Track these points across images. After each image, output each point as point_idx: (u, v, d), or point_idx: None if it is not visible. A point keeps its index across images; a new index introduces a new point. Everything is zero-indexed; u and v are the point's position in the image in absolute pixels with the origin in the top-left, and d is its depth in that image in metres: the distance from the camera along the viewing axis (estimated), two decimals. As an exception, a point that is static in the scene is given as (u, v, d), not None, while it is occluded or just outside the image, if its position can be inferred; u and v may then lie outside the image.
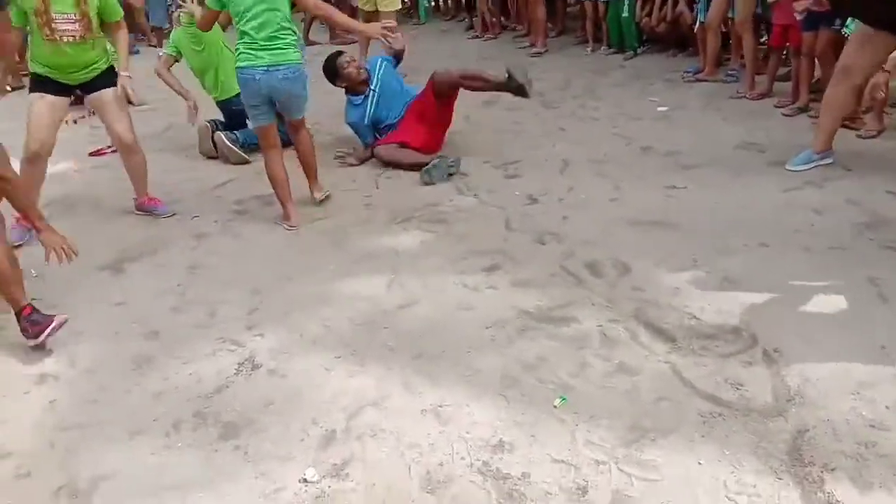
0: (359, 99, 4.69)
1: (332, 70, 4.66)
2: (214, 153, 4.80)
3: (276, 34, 3.50)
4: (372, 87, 4.68)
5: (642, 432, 2.10)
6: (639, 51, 6.93)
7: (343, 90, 4.77)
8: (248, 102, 3.65)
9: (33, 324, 2.70)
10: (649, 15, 6.71)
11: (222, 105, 4.87)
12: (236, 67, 3.61)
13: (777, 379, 2.28)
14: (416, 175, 4.33)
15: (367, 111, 4.67)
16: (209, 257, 3.50)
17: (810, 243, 3.13)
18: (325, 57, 4.82)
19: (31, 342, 2.71)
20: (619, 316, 2.70)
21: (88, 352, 2.75)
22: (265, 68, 3.50)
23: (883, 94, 3.57)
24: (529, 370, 2.44)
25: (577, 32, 7.84)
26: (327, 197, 4.05)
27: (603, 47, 7.19)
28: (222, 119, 5.00)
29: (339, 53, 4.76)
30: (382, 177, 4.40)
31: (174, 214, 4.02)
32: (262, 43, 3.49)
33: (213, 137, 4.77)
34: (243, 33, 3.51)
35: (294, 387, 2.44)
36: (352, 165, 4.64)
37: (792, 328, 2.53)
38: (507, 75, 4.30)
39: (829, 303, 2.67)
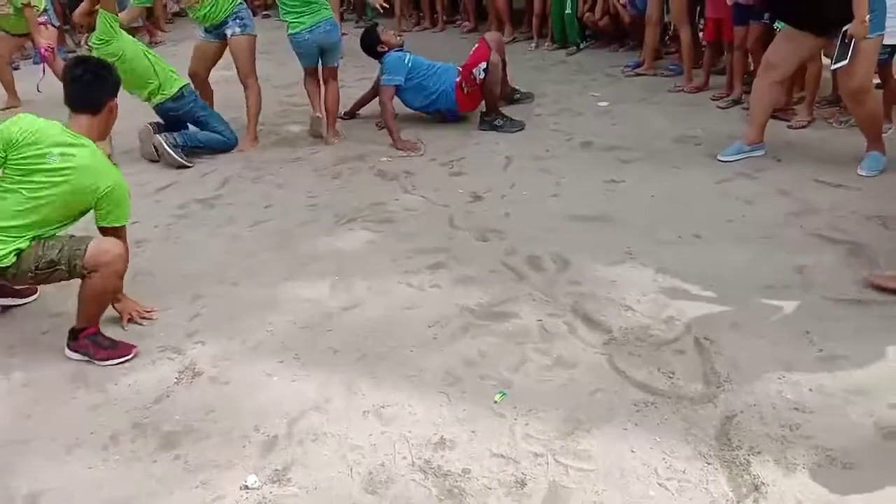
0: (396, 53, 4.95)
1: (373, 38, 5.03)
2: (156, 156, 4.70)
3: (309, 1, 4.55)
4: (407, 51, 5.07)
5: (578, 423, 2.15)
6: (581, 46, 7.02)
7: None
8: (302, 54, 4.76)
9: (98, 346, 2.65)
10: (591, 10, 6.81)
11: (159, 109, 4.76)
12: (289, 35, 4.66)
13: (707, 366, 2.37)
14: (364, 173, 4.35)
15: (407, 61, 4.91)
16: (149, 264, 3.43)
17: (742, 233, 3.25)
18: (361, 35, 5.22)
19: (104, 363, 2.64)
20: (558, 310, 2.76)
21: (23, 365, 2.68)
22: (310, 28, 4.58)
23: None
24: (471, 367, 2.48)
25: (522, 28, 7.90)
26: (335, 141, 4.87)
27: (546, 43, 7.28)
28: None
29: (375, 24, 5.32)
30: (327, 176, 4.39)
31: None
32: (301, 9, 4.57)
33: (153, 141, 4.68)
34: (285, 6, 4.63)
35: (235, 394, 2.43)
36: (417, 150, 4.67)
37: (723, 316, 2.63)
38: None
39: (758, 290, 2.77)
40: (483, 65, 4.81)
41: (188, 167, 4.63)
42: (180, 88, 4.67)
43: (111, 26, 4.42)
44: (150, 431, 2.29)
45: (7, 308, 3.04)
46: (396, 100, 4.95)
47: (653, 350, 2.47)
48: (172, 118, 4.74)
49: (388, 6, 5.54)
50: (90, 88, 2.66)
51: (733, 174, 3.86)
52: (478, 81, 4.86)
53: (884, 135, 3.85)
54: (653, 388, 2.29)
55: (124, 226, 2.73)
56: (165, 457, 2.17)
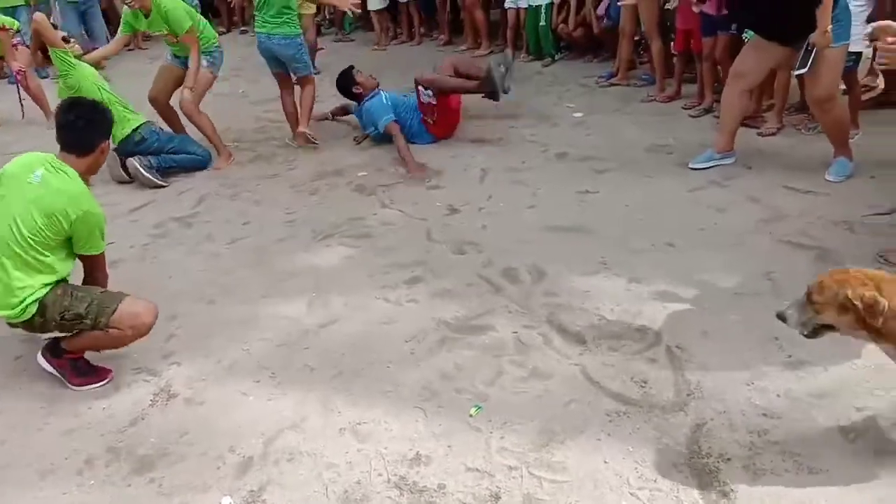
0: (372, 95, 5.07)
1: (349, 79, 5.17)
2: (127, 178, 4.68)
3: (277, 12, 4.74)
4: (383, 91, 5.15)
5: (552, 435, 2.18)
6: (557, 57, 7.11)
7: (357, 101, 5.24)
8: (262, 55, 5.03)
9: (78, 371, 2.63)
10: (565, 21, 6.90)
11: (121, 150, 4.63)
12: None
13: (679, 374, 2.41)
14: (342, 189, 4.36)
15: (386, 100, 4.99)
16: (125, 284, 3.38)
17: (713, 241, 3.30)
18: (338, 77, 5.30)
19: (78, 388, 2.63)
20: (534, 322, 2.79)
21: (-4, 391, 2.66)
22: (267, 34, 4.82)
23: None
24: (447, 381, 2.50)
25: (498, 41, 7.98)
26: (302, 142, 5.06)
27: (522, 55, 7.35)
28: None
29: (351, 67, 5.24)
30: (305, 192, 4.39)
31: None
32: (268, 15, 4.77)
33: (123, 164, 4.64)
34: (258, 6, 4.81)
35: (211, 415, 2.42)
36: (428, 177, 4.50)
37: (694, 324, 2.67)
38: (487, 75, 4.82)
39: (729, 298, 2.82)
40: (422, 89, 4.94)
41: (164, 187, 4.62)
42: (136, 129, 4.57)
43: (64, 60, 4.46)
44: (124, 455, 2.28)
45: None
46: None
47: (626, 359, 2.51)
48: (135, 151, 4.66)
49: (360, 10, 5.68)
50: (83, 133, 2.63)
51: (705, 182, 3.92)
52: (434, 103, 4.92)
53: (850, 140, 3.93)
54: (625, 397, 2.32)
55: (102, 253, 2.69)
56: (140, 481, 2.17)
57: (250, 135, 5.54)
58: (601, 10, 6.39)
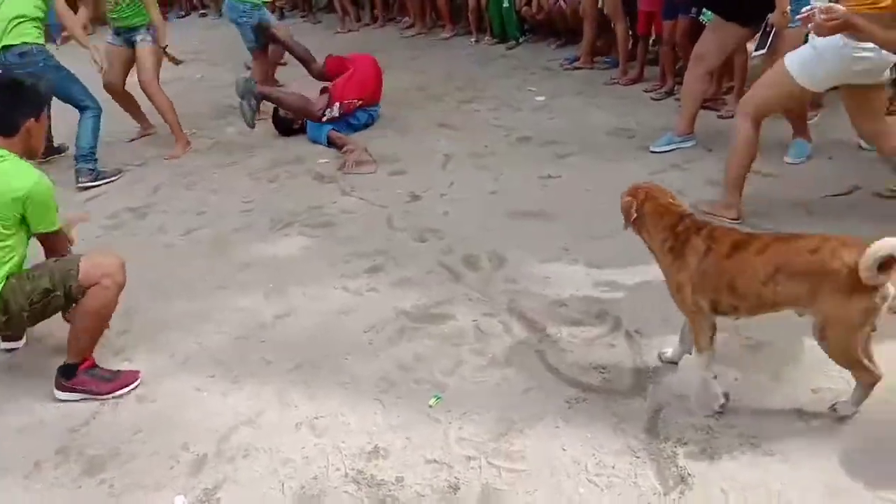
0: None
1: (285, 123, 5.01)
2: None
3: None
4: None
5: (511, 424, 2.16)
6: (521, 40, 7.06)
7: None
8: None
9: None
10: (529, 4, 6.84)
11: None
12: None
13: (637, 359, 2.41)
14: (301, 176, 4.29)
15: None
16: (76, 279, 3.31)
17: (673, 224, 3.30)
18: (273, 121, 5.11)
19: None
20: (494, 309, 2.77)
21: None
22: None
23: None
24: (406, 371, 2.47)
25: (462, 24, 7.90)
26: None
27: (486, 38, 7.28)
28: None
29: (276, 110, 5.01)
30: (263, 180, 4.30)
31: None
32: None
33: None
34: None
35: (163, 412, 2.36)
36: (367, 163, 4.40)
37: (652, 308, 2.66)
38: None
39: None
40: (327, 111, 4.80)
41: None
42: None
43: None
44: (74, 456, 2.21)
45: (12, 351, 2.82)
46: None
47: (585, 346, 2.50)
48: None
49: None
50: (2, 112, 2.43)
51: (666, 165, 3.93)
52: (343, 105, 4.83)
53: (809, 122, 3.97)
54: (584, 383, 2.31)
55: (59, 229, 2.51)
56: (90, 482, 2.11)
57: (208, 121, 5.41)
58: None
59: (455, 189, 3.95)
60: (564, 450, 2.05)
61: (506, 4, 6.93)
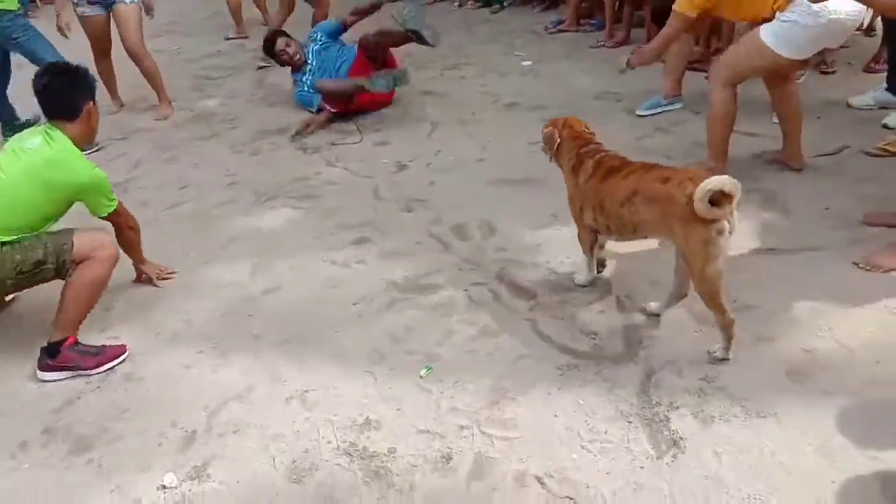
0: (298, 75, 4.71)
1: (271, 53, 4.82)
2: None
3: None
4: (309, 65, 4.67)
5: (503, 392, 2.15)
6: (505, 4, 6.94)
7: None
8: None
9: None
10: (512, -33, 6.73)
11: None
12: None
13: (628, 324, 2.40)
14: (285, 148, 4.20)
15: (306, 86, 4.64)
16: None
17: (662, 188, 3.27)
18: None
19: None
20: (484, 278, 2.74)
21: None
22: None
23: None
24: (397, 343, 2.44)
25: (445, -12, 7.76)
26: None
27: (470, 2, 7.16)
28: None
29: (276, 36, 4.76)
30: (246, 152, 4.23)
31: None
32: None
33: None
34: None
35: (151, 389, 2.33)
36: (312, 133, 4.38)
37: (642, 272, 2.65)
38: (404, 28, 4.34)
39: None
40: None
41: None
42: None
43: None
44: (60, 436, 2.18)
45: None
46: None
47: (576, 312, 2.48)
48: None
49: None
50: (65, 96, 2.54)
51: (652, 129, 3.89)
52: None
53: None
54: (576, 350, 2.30)
55: (114, 211, 2.63)
56: (78, 462, 2.08)
57: (187, 93, 5.29)
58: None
59: (442, 157, 3.89)
60: (557, 416, 2.04)
61: (490, -33, 6.82)
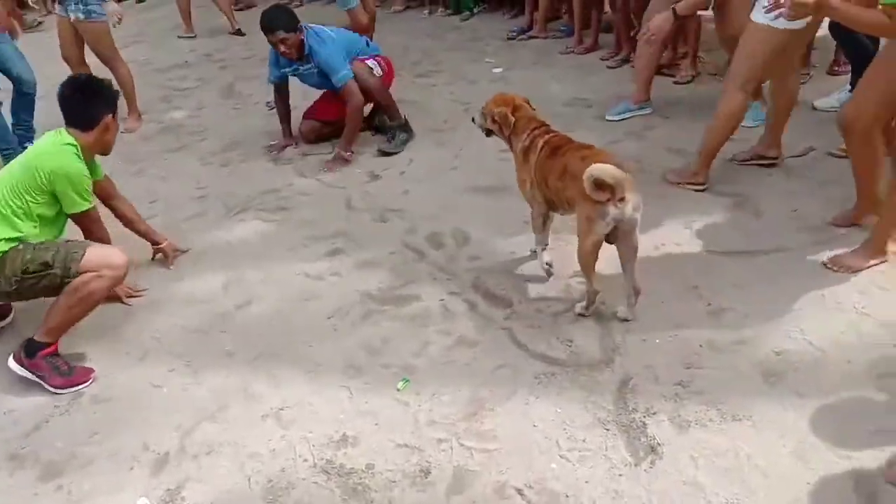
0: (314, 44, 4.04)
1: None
2: None
3: None
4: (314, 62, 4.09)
5: (481, 403, 2.14)
6: (475, 11, 6.95)
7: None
8: None
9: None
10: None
11: None
12: None
13: (604, 331, 2.40)
14: (255, 159, 4.15)
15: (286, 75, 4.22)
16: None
17: (634, 193, 3.29)
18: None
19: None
20: (459, 288, 2.73)
21: None
22: None
23: None
24: (373, 356, 2.42)
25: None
26: None
27: (440, 10, 7.15)
28: None
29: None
30: (215, 164, 4.17)
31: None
32: None
33: None
34: None
35: (121, 411, 2.28)
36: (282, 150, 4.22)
37: (617, 279, 2.64)
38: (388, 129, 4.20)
39: (651, 250, 2.82)
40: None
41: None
42: None
43: None
44: (29, 462, 2.12)
45: None
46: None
47: (551, 320, 2.48)
48: None
49: None
50: (83, 108, 2.62)
51: (622, 134, 3.92)
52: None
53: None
54: (552, 358, 2.30)
55: (86, 211, 2.61)
56: (47, 488, 2.02)
57: (155, 104, 5.21)
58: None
59: (414, 167, 3.88)
60: (535, 426, 2.03)
61: (458, -25, 6.82)
